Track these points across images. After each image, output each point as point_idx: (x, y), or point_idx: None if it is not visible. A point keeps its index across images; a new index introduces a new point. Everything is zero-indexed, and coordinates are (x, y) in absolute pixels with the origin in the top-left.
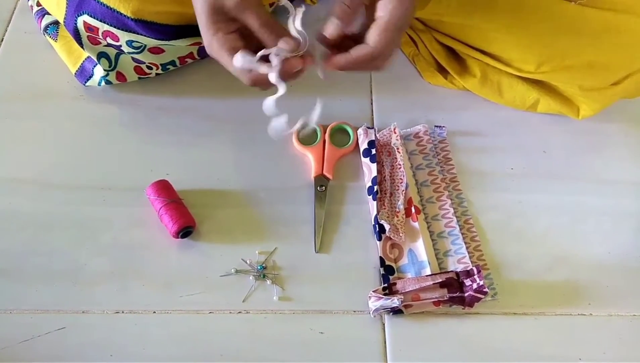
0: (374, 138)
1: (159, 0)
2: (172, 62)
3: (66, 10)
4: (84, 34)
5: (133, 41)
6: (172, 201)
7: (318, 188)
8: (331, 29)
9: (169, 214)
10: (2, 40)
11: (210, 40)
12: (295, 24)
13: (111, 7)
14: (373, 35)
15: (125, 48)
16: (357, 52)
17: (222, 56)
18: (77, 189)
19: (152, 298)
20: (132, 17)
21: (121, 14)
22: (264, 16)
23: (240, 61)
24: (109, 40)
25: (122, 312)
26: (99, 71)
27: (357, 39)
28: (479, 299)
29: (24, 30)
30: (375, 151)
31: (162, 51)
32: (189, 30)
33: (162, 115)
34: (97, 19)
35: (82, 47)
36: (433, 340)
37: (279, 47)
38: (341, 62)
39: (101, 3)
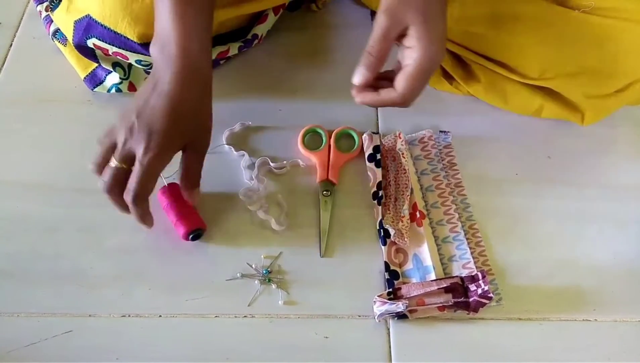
0: (379, 143)
1: None
2: None
3: (74, 33)
4: (96, 49)
5: (142, 60)
6: (182, 203)
7: (323, 192)
8: (358, 78)
9: (179, 216)
10: (10, 45)
11: (164, 155)
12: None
13: (117, 32)
14: (400, 83)
15: (135, 65)
16: (384, 94)
17: (154, 174)
18: (83, 192)
19: (158, 302)
20: (139, 42)
21: (127, 38)
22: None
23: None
24: (119, 58)
25: (128, 316)
26: (112, 79)
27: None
28: (483, 304)
29: (33, 36)
30: (380, 156)
31: None
32: None
33: None
34: (106, 42)
35: (96, 61)
36: (438, 345)
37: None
38: (367, 99)
39: (107, 28)
